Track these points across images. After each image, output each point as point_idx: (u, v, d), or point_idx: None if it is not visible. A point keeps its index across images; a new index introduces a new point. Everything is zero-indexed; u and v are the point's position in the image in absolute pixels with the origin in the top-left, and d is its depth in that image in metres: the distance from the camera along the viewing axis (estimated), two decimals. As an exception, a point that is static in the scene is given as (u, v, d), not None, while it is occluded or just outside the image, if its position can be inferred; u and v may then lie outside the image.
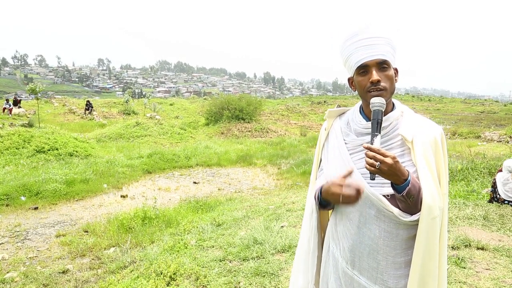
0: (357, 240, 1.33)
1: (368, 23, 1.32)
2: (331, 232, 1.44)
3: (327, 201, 1.32)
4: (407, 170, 1.21)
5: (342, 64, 1.42)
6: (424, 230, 1.23)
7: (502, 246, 3.61)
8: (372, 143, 1.21)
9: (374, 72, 1.27)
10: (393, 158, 1.15)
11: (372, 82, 1.27)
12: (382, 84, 1.28)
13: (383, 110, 1.26)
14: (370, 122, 1.31)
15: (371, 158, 1.16)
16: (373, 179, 1.21)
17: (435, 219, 1.23)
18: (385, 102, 1.26)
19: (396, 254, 1.30)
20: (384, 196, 1.28)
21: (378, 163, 1.15)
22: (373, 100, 1.26)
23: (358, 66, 1.31)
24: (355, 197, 1.18)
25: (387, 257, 1.30)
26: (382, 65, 1.29)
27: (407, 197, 1.20)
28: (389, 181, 1.25)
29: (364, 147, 1.20)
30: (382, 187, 1.29)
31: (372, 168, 1.16)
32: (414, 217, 1.25)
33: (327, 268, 1.46)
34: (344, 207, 1.34)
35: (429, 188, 1.23)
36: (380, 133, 1.24)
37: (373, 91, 1.28)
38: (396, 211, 1.26)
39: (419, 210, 1.24)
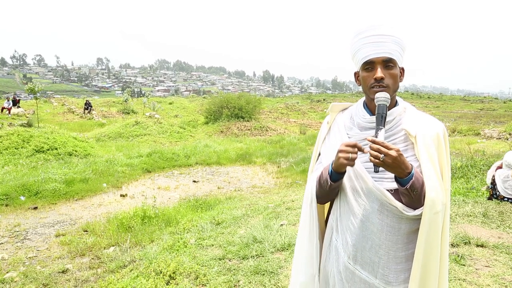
0: (360, 234, 1.33)
1: (378, 21, 1.34)
2: (335, 225, 1.43)
3: (338, 173, 1.32)
4: (410, 164, 1.23)
5: (350, 58, 1.44)
6: (427, 225, 1.24)
7: (502, 243, 3.61)
8: (376, 136, 1.23)
9: (378, 69, 1.30)
10: (397, 151, 1.17)
11: (376, 79, 1.30)
12: (386, 81, 1.30)
13: (388, 105, 1.28)
14: (373, 117, 1.34)
15: (375, 151, 1.18)
16: (377, 171, 1.23)
17: (437, 214, 1.24)
18: (389, 97, 1.29)
19: (398, 248, 1.30)
20: (387, 190, 1.29)
21: (382, 155, 1.17)
22: (378, 94, 1.28)
23: (364, 62, 1.33)
24: (354, 152, 1.24)
25: (388, 252, 1.30)
26: (388, 63, 1.31)
27: (410, 190, 1.22)
28: (393, 176, 1.27)
29: (368, 140, 1.21)
30: (386, 182, 1.30)
31: (376, 161, 1.18)
32: (417, 212, 1.26)
33: (328, 262, 1.45)
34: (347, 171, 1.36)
35: (432, 183, 1.25)
36: (384, 126, 1.26)
37: (376, 87, 1.30)
38: (399, 205, 1.27)
39: (422, 205, 1.25)
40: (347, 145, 1.24)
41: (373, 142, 1.19)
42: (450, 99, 48.37)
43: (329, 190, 1.37)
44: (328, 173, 1.34)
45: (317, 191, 1.41)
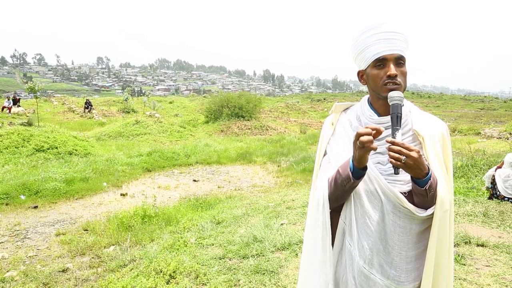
0: (376, 236, 1.32)
1: (387, 18, 1.33)
2: (348, 230, 1.38)
3: (360, 169, 1.25)
4: (427, 164, 1.21)
5: (352, 57, 1.40)
6: (437, 224, 1.25)
7: (502, 243, 3.60)
8: (394, 138, 1.20)
9: (392, 66, 1.28)
10: (418, 152, 1.15)
11: (389, 76, 1.27)
12: (398, 79, 1.28)
13: (402, 104, 1.25)
14: (381, 117, 1.33)
15: (396, 153, 1.15)
16: (397, 173, 1.20)
17: (446, 212, 1.25)
18: (403, 96, 1.26)
19: (408, 248, 1.31)
20: (400, 193, 1.29)
21: (404, 157, 1.14)
22: (392, 94, 1.25)
23: (376, 59, 1.30)
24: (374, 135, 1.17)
25: (400, 252, 1.30)
26: (399, 60, 1.30)
27: (428, 191, 1.21)
28: (404, 179, 1.27)
29: (387, 141, 1.19)
30: (399, 184, 1.30)
31: (398, 163, 1.15)
32: (429, 212, 1.26)
33: (339, 268, 1.41)
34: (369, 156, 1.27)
35: (441, 182, 1.25)
36: (400, 127, 1.23)
37: (390, 85, 1.28)
38: (412, 207, 1.27)
39: (434, 204, 1.25)
40: (365, 132, 1.17)
41: (393, 143, 1.16)
42: (451, 98, 48.29)
43: (347, 190, 1.30)
44: (350, 170, 1.27)
45: (330, 193, 1.34)
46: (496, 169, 5.58)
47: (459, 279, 2.95)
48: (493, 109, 33.36)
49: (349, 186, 1.28)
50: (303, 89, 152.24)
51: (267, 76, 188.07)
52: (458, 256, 3.32)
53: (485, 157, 8.74)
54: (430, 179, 1.20)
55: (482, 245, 3.56)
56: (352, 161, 1.26)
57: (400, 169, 1.20)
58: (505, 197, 5.26)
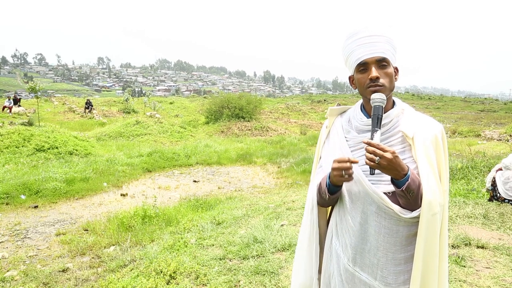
0: (359, 236, 1.34)
1: (368, 23, 1.35)
2: (334, 228, 1.45)
3: (335, 186, 1.33)
4: (407, 166, 1.22)
5: (343, 63, 1.44)
6: (424, 226, 1.24)
7: (502, 245, 3.60)
8: (372, 138, 1.23)
9: (373, 69, 1.30)
10: (393, 153, 1.17)
11: (371, 79, 1.30)
12: (381, 81, 1.30)
13: (384, 106, 1.28)
14: (370, 119, 1.33)
15: (370, 153, 1.18)
16: (373, 173, 1.23)
17: (435, 215, 1.24)
18: (385, 98, 1.28)
19: (396, 250, 1.31)
20: (385, 193, 1.29)
21: (378, 157, 1.16)
22: (374, 96, 1.28)
23: (358, 64, 1.33)
24: (348, 168, 1.23)
25: (387, 253, 1.31)
26: (382, 62, 1.31)
27: (406, 192, 1.21)
28: (386, 180, 1.28)
29: (364, 142, 1.22)
30: (383, 184, 1.30)
31: (372, 163, 1.18)
32: (414, 214, 1.26)
33: (329, 265, 1.46)
34: (345, 186, 1.38)
35: (430, 185, 1.25)
36: (380, 128, 1.26)
37: (372, 87, 1.30)
38: (396, 208, 1.27)
39: (419, 207, 1.25)
40: (340, 161, 1.24)
41: (369, 144, 1.19)
42: (451, 100, 48.20)
43: (328, 200, 1.40)
44: (326, 186, 1.35)
45: (318, 199, 1.43)
46: (497, 170, 5.58)
47: (459, 281, 2.95)
48: (493, 111, 33.34)
49: (328, 198, 1.37)
50: (304, 90, 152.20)
51: (268, 77, 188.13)
52: (458, 258, 3.32)
53: (485, 159, 8.74)
54: (408, 180, 1.20)
55: (482, 247, 3.56)
56: (329, 178, 1.33)
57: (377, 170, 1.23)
58: (505, 199, 5.25)
